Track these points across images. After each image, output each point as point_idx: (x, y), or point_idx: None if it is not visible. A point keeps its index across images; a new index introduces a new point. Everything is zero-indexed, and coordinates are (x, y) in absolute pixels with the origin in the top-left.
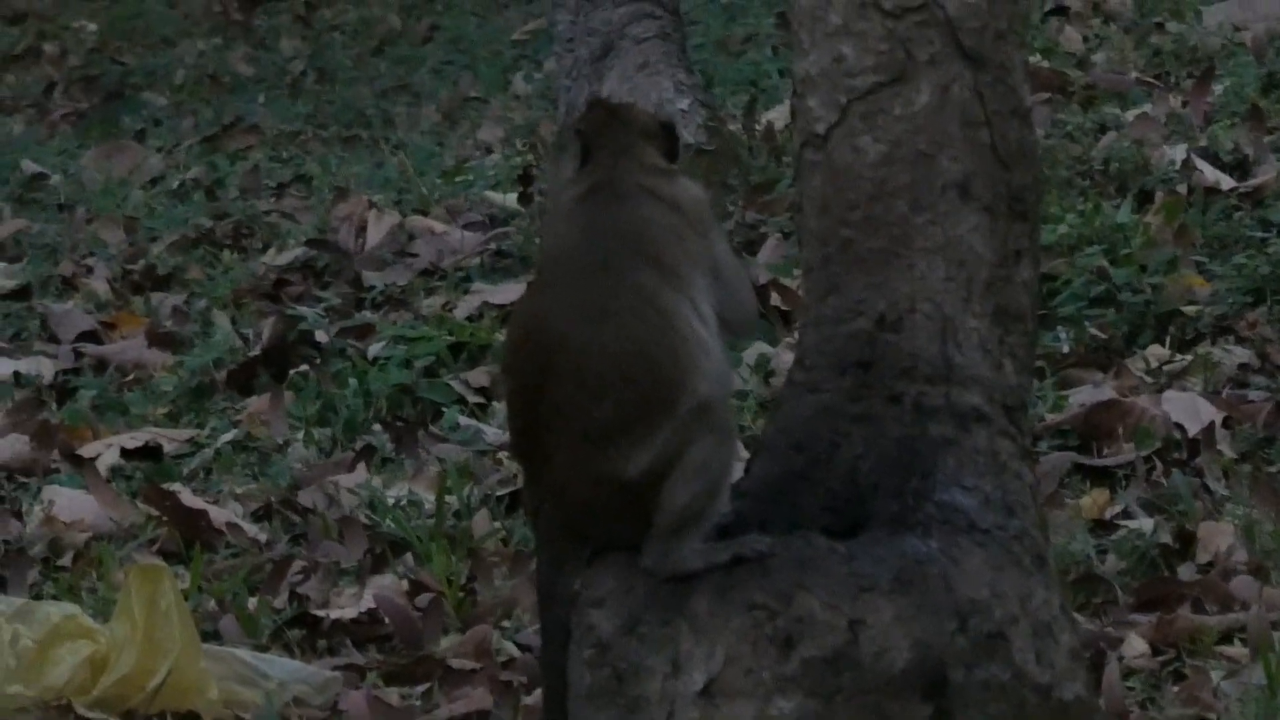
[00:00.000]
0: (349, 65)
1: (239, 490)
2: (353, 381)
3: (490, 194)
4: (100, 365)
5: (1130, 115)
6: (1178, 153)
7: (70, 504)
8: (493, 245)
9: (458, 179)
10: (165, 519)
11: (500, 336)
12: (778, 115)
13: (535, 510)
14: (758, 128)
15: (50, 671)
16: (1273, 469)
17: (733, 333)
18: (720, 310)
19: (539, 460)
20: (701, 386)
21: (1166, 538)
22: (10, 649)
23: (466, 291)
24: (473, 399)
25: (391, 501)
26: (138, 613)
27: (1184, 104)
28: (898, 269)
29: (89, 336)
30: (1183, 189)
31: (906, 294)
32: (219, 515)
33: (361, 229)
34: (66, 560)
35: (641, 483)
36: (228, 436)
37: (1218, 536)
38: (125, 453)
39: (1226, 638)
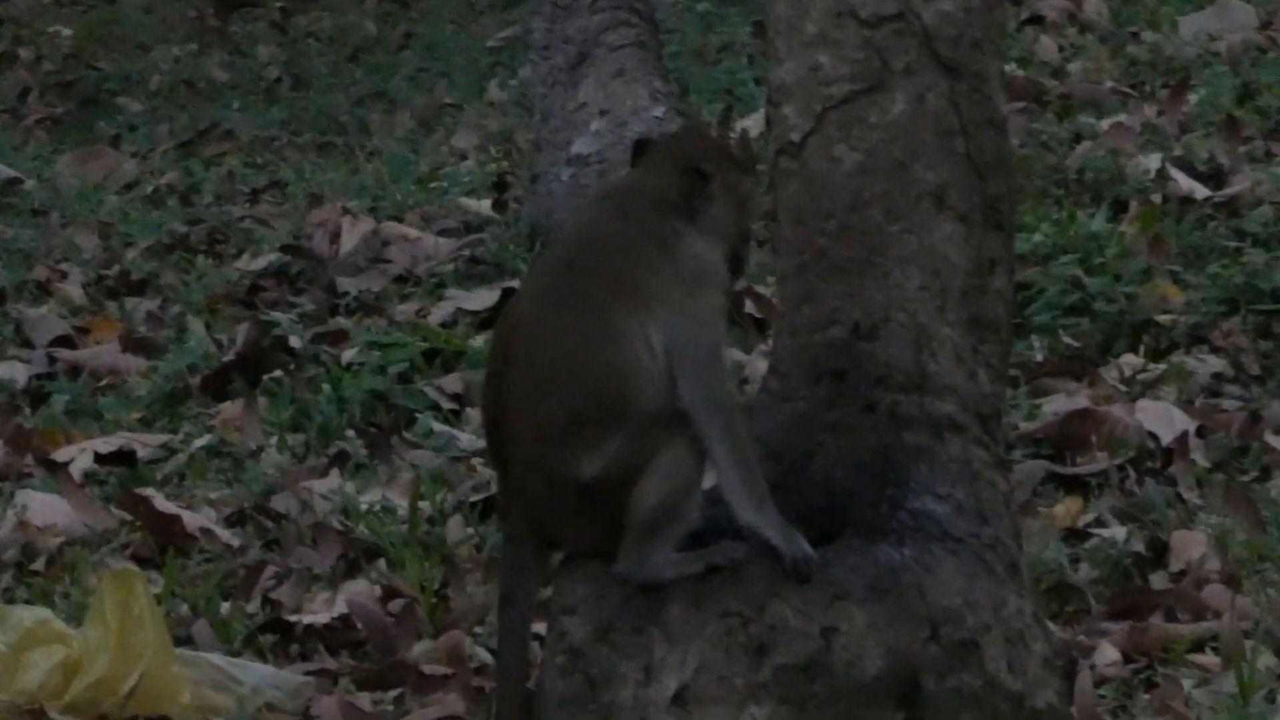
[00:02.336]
0: (324, 72)
1: (212, 496)
2: (326, 388)
3: (465, 200)
4: (74, 370)
5: (1105, 125)
6: (1153, 162)
7: (44, 509)
8: (467, 252)
9: (432, 185)
10: (139, 524)
11: (474, 342)
12: (753, 123)
13: (504, 512)
14: (733, 136)
15: (23, 676)
16: (1246, 478)
17: (677, 383)
18: (673, 357)
19: (504, 457)
20: (649, 405)
21: (1139, 546)
22: None
23: (441, 298)
24: (447, 405)
25: (365, 507)
26: (111, 618)
27: (1159, 114)
28: (873, 278)
29: (63, 342)
30: (1157, 198)
31: (881, 303)
32: (192, 520)
33: (336, 235)
34: (40, 565)
35: (601, 486)
36: (201, 442)
37: (1190, 545)
38: (99, 458)
39: (1198, 646)
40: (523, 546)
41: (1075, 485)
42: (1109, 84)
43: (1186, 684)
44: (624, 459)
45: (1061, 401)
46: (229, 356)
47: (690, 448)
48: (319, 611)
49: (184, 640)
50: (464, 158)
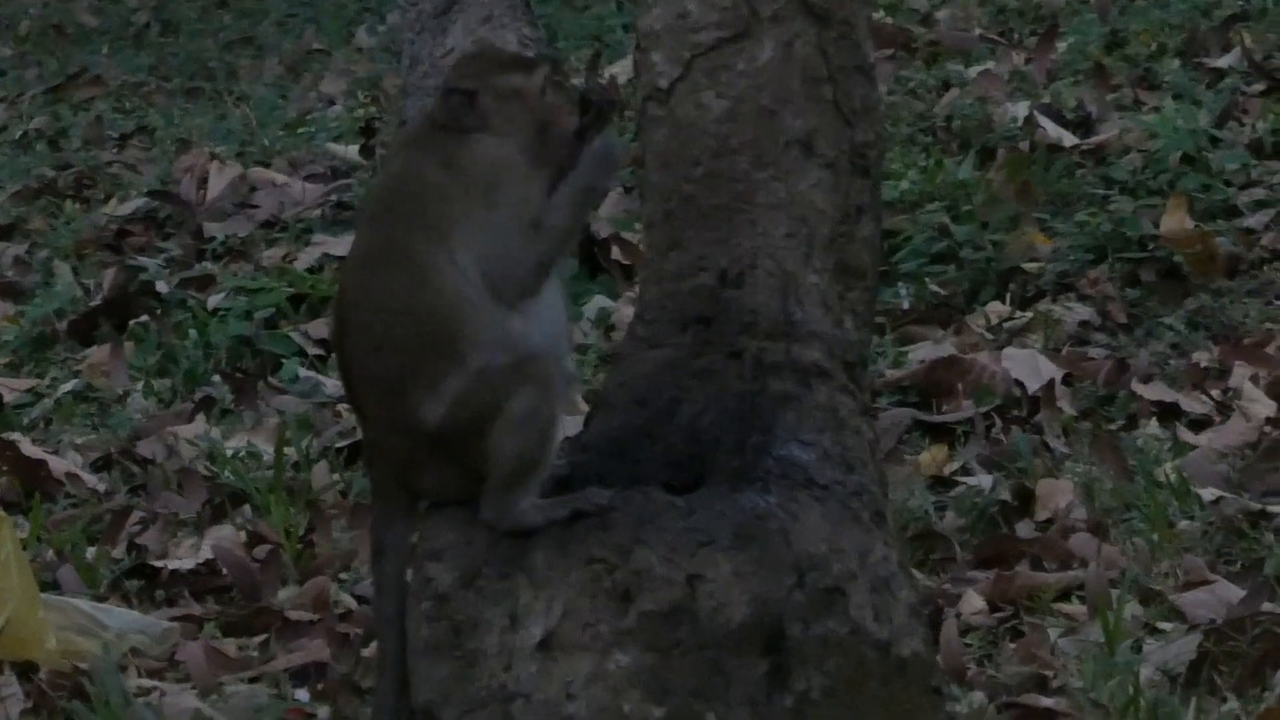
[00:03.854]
0: (193, 17)
1: (79, 440)
2: (193, 333)
3: (332, 146)
4: None
5: (973, 72)
6: (1020, 110)
7: None
8: (334, 197)
9: (300, 131)
10: (4, 469)
11: None
12: (621, 70)
13: (370, 462)
14: (602, 81)
15: None
16: (1112, 427)
17: (498, 295)
18: (485, 270)
19: (362, 416)
20: (484, 335)
21: (1005, 495)
22: None
23: (307, 243)
24: (313, 351)
25: (230, 453)
26: None
27: (1027, 61)
28: (740, 225)
29: None
30: (1025, 146)
31: (748, 250)
32: (58, 465)
33: (203, 180)
34: None
35: (451, 433)
36: (68, 387)
37: (1057, 494)
38: None
39: (1064, 595)
40: (389, 498)
41: (941, 433)
42: (977, 31)
43: (1052, 633)
44: (469, 401)
45: (928, 349)
46: (96, 301)
47: (542, 393)
48: (184, 557)
49: (50, 585)
50: (332, 103)
